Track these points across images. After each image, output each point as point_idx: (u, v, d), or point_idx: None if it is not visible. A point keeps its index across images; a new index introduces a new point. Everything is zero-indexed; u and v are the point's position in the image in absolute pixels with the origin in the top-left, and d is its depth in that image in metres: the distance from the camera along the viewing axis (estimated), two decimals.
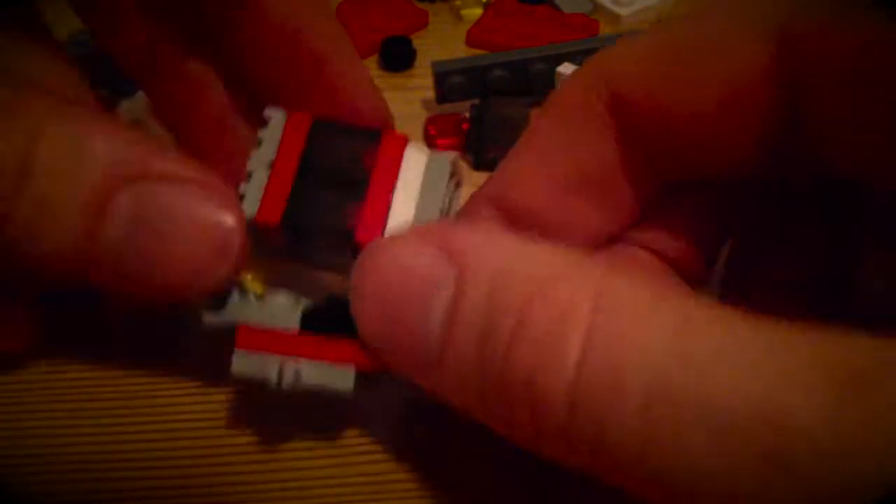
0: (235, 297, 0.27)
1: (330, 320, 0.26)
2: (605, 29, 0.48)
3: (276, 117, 0.26)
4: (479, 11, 0.48)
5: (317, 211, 0.25)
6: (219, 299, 0.27)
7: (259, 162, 0.26)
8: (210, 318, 0.27)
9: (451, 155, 0.26)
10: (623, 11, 0.49)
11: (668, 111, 0.24)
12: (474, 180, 0.41)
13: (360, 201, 0.25)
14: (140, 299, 0.23)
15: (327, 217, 0.25)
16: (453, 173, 0.26)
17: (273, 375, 0.26)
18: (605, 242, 0.27)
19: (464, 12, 0.47)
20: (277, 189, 0.25)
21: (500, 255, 0.21)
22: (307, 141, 0.26)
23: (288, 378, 0.26)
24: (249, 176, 0.26)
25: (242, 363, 0.26)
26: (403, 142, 0.26)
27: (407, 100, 0.45)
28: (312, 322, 0.27)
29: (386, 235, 0.25)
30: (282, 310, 0.27)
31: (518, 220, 0.27)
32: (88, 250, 0.22)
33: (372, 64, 0.46)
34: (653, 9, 0.49)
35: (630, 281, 0.19)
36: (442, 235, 0.22)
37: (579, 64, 0.41)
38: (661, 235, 0.27)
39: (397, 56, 0.46)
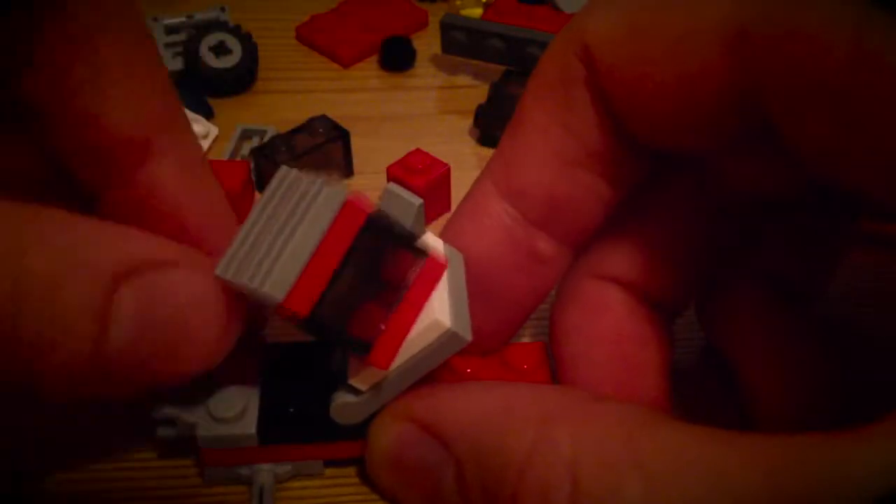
0: (186, 411, 0.27)
1: (288, 430, 0.27)
2: None
3: (326, 197, 0.23)
4: (479, 11, 0.48)
5: (344, 316, 0.24)
6: (170, 412, 0.26)
7: (297, 241, 0.23)
8: (165, 432, 0.27)
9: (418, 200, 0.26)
10: None
11: (634, 86, 0.24)
12: (481, 154, 0.42)
13: (384, 321, 0.24)
14: (152, 390, 0.23)
15: (353, 326, 0.24)
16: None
17: (247, 478, 0.28)
18: (614, 209, 0.28)
19: (464, 12, 0.47)
20: (314, 280, 0.23)
21: (475, 434, 0.23)
22: (356, 237, 0.24)
23: (264, 479, 0.27)
24: (267, 245, 0.23)
25: (215, 475, 0.28)
26: (443, 269, 0.25)
27: (407, 100, 0.45)
28: (269, 431, 0.27)
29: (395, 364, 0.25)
30: (235, 419, 0.27)
31: (524, 199, 0.27)
32: (101, 353, 0.20)
33: (372, 64, 0.47)
34: None
35: (601, 438, 0.21)
36: (427, 419, 0.25)
37: None
38: (635, 266, 0.28)
39: (397, 56, 0.46)
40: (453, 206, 0.38)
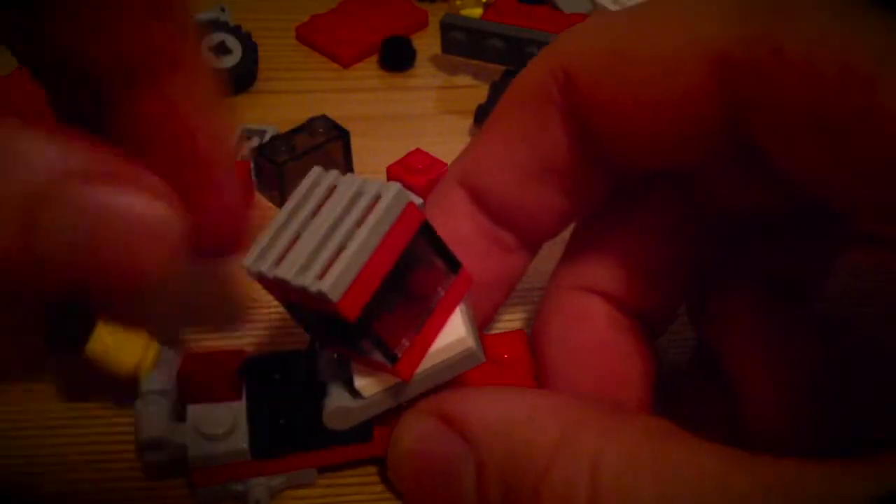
0: (177, 429, 0.27)
1: (280, 441, 0.27)
2: None
3: (390, 199, 0.23)
4: (479, 11, 0.48)
5: (382, 320, 0.23)
6: (157, 434, 0.26)
7: (358, 242, 0.22)
8: (152, 457, 0.27)
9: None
10: None
11: (614, 107, 0.25)
12: None
13: (414, 331, 0.24)
14: (95, 289, 0.23)
15: (387, 332, 0.24)
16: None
17: (241, 494, 0.27)
18: (570, 222, 0.28)
19: (464, 12, 0.47)
20: (367, 283, 0.22)
21: (501, 430, 0.23)
22: (410, 242, 0.23)
23: (259, 493, 0.27)
24: (316, 244, 0.23)
25: (207, 496, 0.27)
26: (471, 283, 0.25)
27: (407, 100, 0.45)
28: (262, 444, 0.27)
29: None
30: (225, 435, 0.26)
31: (486, 202, 0.28)
32: (30, 244, 0.21)
33: (372, 64, 0.47)
34: None
35: (623, 445, 0.21)
36: (452, 416, 0.24)
37: None
38: (617, 277, 0.28)
39: (397, 56, 0.46)
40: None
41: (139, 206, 0.22)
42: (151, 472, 0.28)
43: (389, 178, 0.37)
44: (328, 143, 0.39)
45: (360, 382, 0.25)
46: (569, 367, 0.28)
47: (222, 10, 0.46)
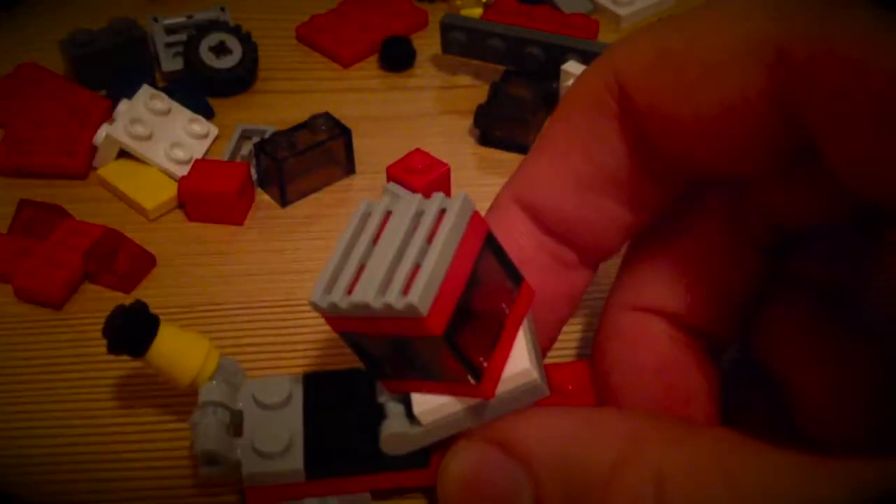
0: (230, 446, 0.26)
1: (336, 463, 0.26)
2: (605, 29, 0.48)
3: (457, 211, 0.22)
4: (479, 11, 0.48)
5: (461, 336, 0.23)
6: (214, 449, 0.26)
7: (434, 256, 0.22)
8: (209, 471, 0.26)
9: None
10: (623, 11, 0.49)
11: (669, 115, 0.24)
12: (481, 154, 0.42)
13: (491, 350, 0.24)
14: None
15: (469, 349, 0.23)
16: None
17: None
18: (629, 237, 0.28)
19: (464, 12, 0.47)
20: (450, 296, 0.22)
21: (560, 449, 0.22)
22: (479, 253, 0.23)
23: None
24: (388, 265, 0.22)
25: None
26: (534, 294, 0.25)
27: (407, 100, 0.45)
28: (317, 465, 0.26)
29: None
30: (281, 454, 0.26)
31: (544, 218, 0.27)
32: None
33: (372, 64, 0.47)
34: (653, 8, 0.49)
35: (689, 455, 0.20)
36: (507, 439, 0.23)
37: (580, 61, 0.41)
38: (674, 296, 0.27)
39: (397, 56, 0.46)
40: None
41: None
42: (208, 481, 0.28)
43: (389, 179, 0.37)
44: (330, 141, 0.39)
45: (418, 409, 0.24)
46: (633, 388, 0.27)
47: (222, 10, 0.46)
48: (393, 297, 0.21)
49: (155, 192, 0.39)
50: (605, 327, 0.28)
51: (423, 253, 0.22)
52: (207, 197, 0.38)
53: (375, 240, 0.23)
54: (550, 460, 0.22)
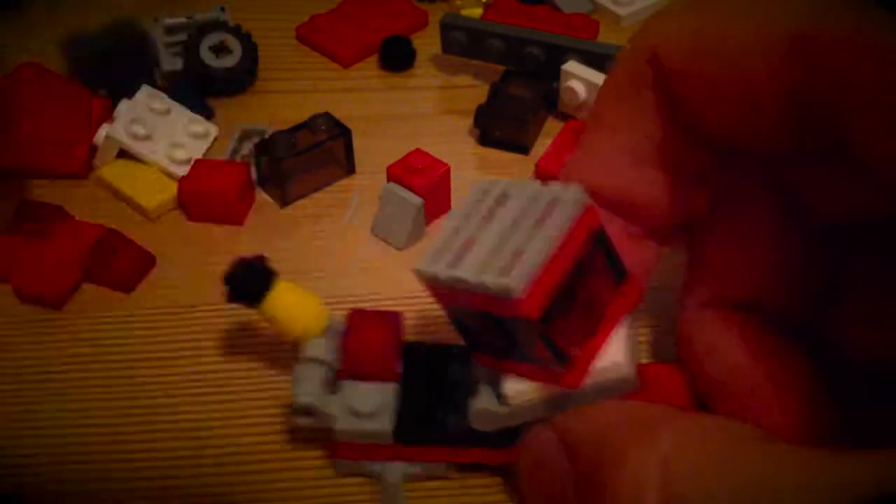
0: (324, 399, 0.27)
1: (423, 431, 0.27)
2: (605, 29, 0.48)
3: (568, 200, 0.23)
4: (479, 11, 0.48)
5: (555, 324, 0.23)
6: (311, 402, 0.27)
7: (538, 242, 0.22)
8: (303, 421, 0.27)
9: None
10: (623, 11, 0.49)
11: (700, 85, 0.25)
12: (481, 154, 0.42)
13: (588, 337, 0.24)
14: None
15: (560, 338, 0.23)
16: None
17: (375, 474, 0.28)
18: (688, 213, 0.28)
19: (464, 12, 0.47)
20: (548, 282, 0.22)
21: (594, 438, 0.23)
22: (584, 245, 0.23)
23: (395, 477, 0.28)
24: (493, 245, 0.23)
25: (344, 467, 0.28)
26: (640, 296, 0.25)
27: (407, 100, 0.45)
28: (406, 431, 0.27)
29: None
30: (373, 415, 0.27)
31: (603, 196, 0.27)
32: None
33: (372, 64, 0.47)
34: (653, 8, 0.49)
35: (699, 444, 0.21)
36: (560, 423, 0.25)
37: (580, 61, 0.41)
38: (752, 288, 0.28)
39: (397, 56, 0.46)
40: (453, 206, 0.38)
41: None
42: (299, 432, 0.29)
43: (389, 179, 0.37)
44: (330, 141, 0.39)
45: (508, 390, 0.25)
46: (729, 387, 0.27)
47: (222, 10, 0.46)
48: (491, 276, 0.22)
49: (155, 192, 0.39)
50: (686, 328, 0.29)
51: (529, 239, 0.23)
52: (207, 197, 0.38)
53: (488, 218, 0.24)
54: (587, 456, 0.23)
